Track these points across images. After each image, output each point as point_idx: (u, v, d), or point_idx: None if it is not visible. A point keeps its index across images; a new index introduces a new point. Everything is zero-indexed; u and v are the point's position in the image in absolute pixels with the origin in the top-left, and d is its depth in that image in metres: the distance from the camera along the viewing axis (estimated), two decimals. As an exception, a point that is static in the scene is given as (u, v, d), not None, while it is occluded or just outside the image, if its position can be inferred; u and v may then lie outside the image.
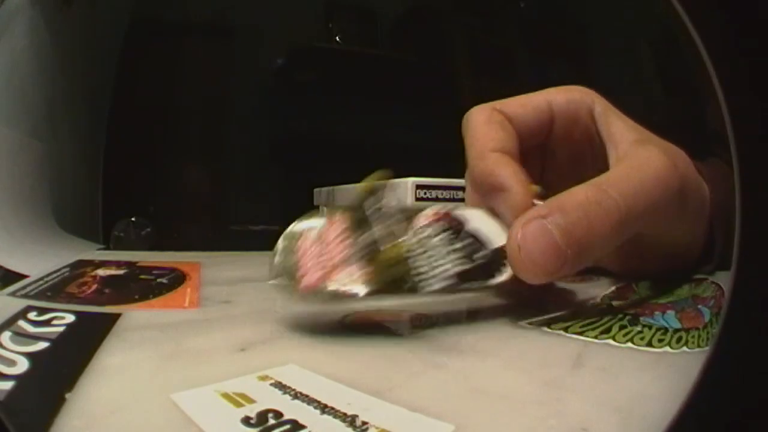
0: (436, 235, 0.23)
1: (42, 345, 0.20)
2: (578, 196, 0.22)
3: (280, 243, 0.22)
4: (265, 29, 0.81)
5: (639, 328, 0.22)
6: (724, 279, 0.23)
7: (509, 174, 0.24)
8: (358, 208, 0.22)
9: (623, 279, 0.29)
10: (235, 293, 0.31)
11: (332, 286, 0.20)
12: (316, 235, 0.21)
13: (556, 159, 0.27)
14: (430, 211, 0.23)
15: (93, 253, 0.46)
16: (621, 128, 0.26)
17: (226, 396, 0.16)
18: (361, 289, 0.20)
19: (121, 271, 0.36)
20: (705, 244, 0.27)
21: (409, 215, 0.23)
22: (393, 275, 0.21)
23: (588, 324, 0.22)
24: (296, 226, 0.22)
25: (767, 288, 0.14)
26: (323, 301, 0.20)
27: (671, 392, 0.14)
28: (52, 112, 0.58)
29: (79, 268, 0.37)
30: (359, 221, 0.22)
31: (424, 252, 0.22)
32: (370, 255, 0.21)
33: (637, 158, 0.24)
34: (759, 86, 0.14)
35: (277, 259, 0.21)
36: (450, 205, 0.24)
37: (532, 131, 0.27)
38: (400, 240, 0.21)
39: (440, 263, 0.22)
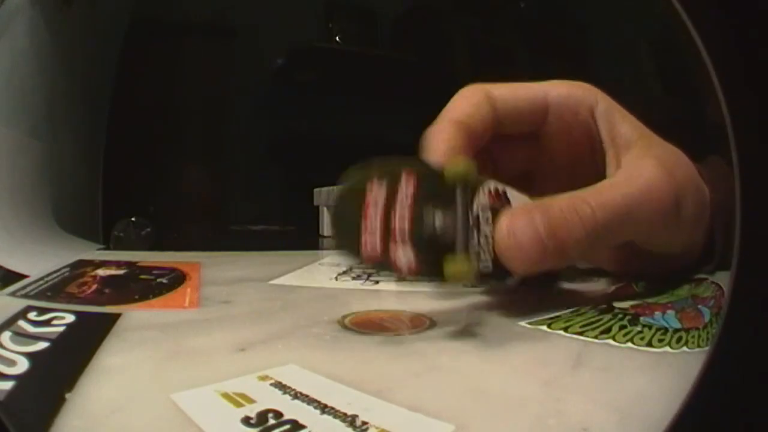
0: (488, 222, 0.23)
1: (42, 345, 0.20)
2: (561, 202, 0.23)
3: (340, 201, 0.21)
4: (265, 29, 0.81)
5: (639, 328, 0.22)
6: (724, 279, 0.23)
7: (441, 140, 0.25)
8: (438, 183, 0.22)
9: (623, 279, 0.29)
10: (235, 293, 0.31)
11: (393, 260, 0.21)
12: (384, 193, 0.21)
13: (552, 156, 0.27)
14: (492, 187, 0.23)
15: (93, 253, 0.46)
16: (625, 131, 0.26)
17: (226, 396, 0.16)
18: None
19: (121, 271, 0.36)
20: (705, 244, 0.27)
21: (472, 185, 0.22)
22: (448, 276, 0.21)
23: (588, 324, 0.22)
24: (356, 184, 0.21)
25: (767, 288, 0.14)
26: (382, 269, 0.21)
27: (671, 392, 0.14)
28: (52, 112, 0.58)
29: (79, 268, 0.37)
30: (433, 195, 0.21)
31: (477, 239, 0.22)
32: (430, 242, 0.21)
33: (630, 170, 0.25)
34: (759, 86, 0.14)
35: (336, 219, 0.21)
36: (500, 185, 0.24)
37: (521, 116, 0.27)
38: (468, 254, 0.21)
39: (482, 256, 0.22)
